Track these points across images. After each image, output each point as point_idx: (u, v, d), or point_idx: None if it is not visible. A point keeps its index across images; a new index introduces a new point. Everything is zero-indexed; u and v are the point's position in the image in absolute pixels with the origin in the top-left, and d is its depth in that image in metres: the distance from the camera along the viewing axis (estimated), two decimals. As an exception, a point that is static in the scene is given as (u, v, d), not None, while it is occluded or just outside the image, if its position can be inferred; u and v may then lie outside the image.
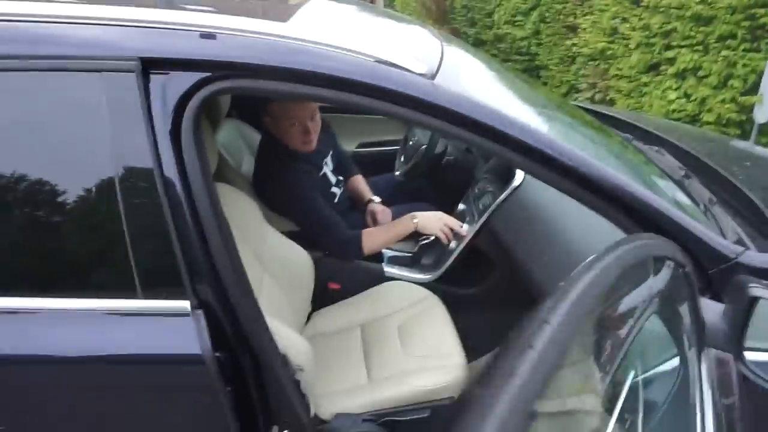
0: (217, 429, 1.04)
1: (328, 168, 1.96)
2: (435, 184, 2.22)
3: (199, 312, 0.97)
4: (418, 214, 1.81)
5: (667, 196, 1.15)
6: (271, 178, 1.79)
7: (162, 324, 0.98)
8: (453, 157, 2.14)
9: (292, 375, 1.17)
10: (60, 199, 0.95)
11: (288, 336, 1.23)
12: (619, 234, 1.06)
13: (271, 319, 1.11)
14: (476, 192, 1.91)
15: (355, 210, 2.06)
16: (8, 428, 1.02)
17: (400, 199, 2.22)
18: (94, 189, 0.95)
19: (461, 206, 1.96)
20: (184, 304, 0.97)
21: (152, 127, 0.91)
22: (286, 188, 1.75)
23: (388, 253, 1.90)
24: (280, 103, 1.70)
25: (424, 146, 2.09)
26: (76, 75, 0.91)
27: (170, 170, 0.93)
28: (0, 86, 0.92)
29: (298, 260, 1.68)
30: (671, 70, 3.59)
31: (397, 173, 2.25)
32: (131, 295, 0.97)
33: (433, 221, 1.80)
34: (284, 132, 1.74)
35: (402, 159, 2.25)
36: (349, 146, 2.52)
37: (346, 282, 1.81)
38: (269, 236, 1.60)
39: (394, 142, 2.62)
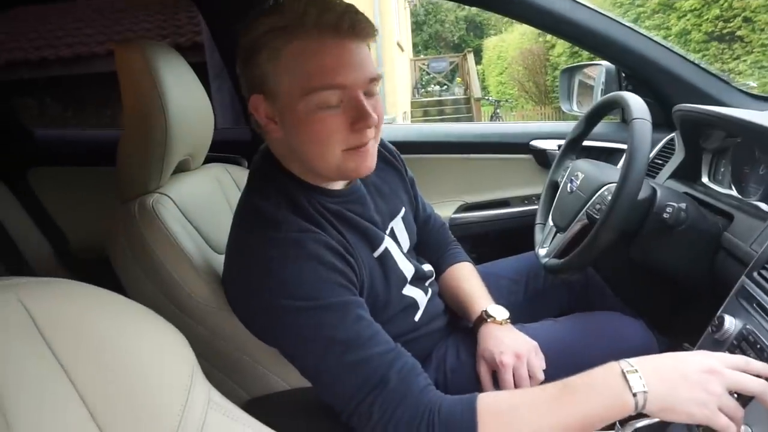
0: None
1: (396, 242, 0.87)
2: (635, 268, 1.02)
3: None
4: (637, 361, 0.61)
5: None
6: (251, 262, 0.72)
7: None
8: (681, 208, 0.93)
9: None
10: None
11: None
12: None
13: None
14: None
15: (453, 337, 0.93)
16: None
17: (550, 306, 1.07)
18: None
19: (730, 323, 0.75)
20: None
21: None
22: (284, 285, 0.68)
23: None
24: (283, 38, 0.68)
25: (604, 187, 0.95)
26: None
27: None
28: None
29: None
30: None
31: (542, 252, 1.09)
32: None
33: (694, 387, 0.58)
34: (295, 125, 0.72)
35: (550, 220, 1.11)
36: (443, 212, 1.43)
37: None
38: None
39: (524, 200, 1.51)
